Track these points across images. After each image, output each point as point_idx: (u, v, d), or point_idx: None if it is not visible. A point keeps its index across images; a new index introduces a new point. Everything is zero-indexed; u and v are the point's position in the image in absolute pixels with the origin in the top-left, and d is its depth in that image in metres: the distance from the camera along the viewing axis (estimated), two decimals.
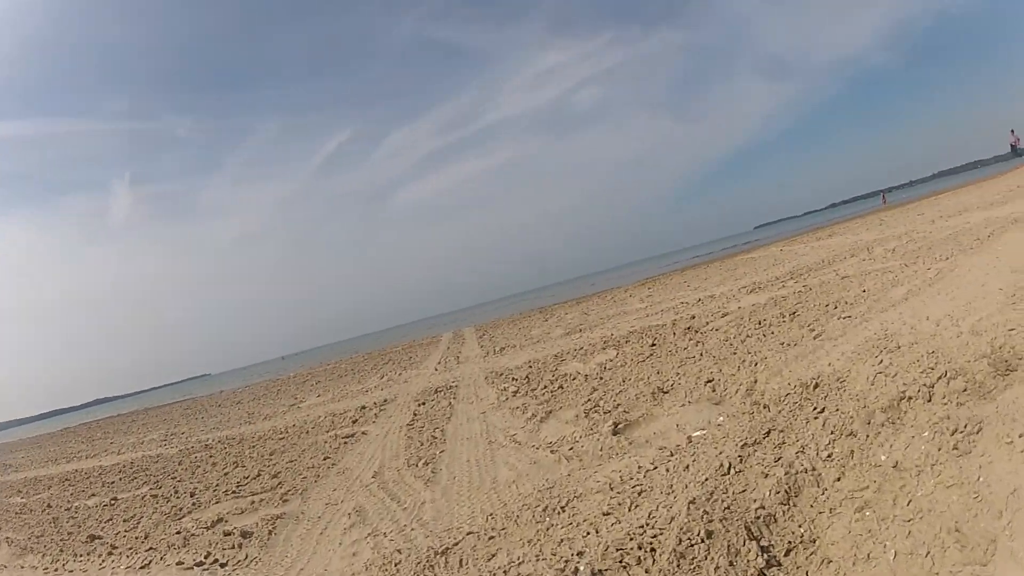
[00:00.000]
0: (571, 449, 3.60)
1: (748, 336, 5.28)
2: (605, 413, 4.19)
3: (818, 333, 4.47)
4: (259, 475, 5.04)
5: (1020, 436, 1.86)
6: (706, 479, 2.55)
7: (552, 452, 3.64)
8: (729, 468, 2.59)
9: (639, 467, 2.97)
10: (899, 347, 3.25)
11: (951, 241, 6.81)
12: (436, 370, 9.66)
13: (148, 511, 4.68)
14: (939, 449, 2.02)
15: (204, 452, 7.05)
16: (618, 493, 2.73)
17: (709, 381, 4.17)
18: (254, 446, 6.59)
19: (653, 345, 6.18)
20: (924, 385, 2.61)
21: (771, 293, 7.64)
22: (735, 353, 4.73)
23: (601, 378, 5.37)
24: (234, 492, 4.64)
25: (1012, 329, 2.75)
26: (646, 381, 4.72)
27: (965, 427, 2.05)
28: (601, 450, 3.45)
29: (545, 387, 5.72)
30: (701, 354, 5.11)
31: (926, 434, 2.18)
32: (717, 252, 34.16)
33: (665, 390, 4.32)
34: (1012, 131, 23.21)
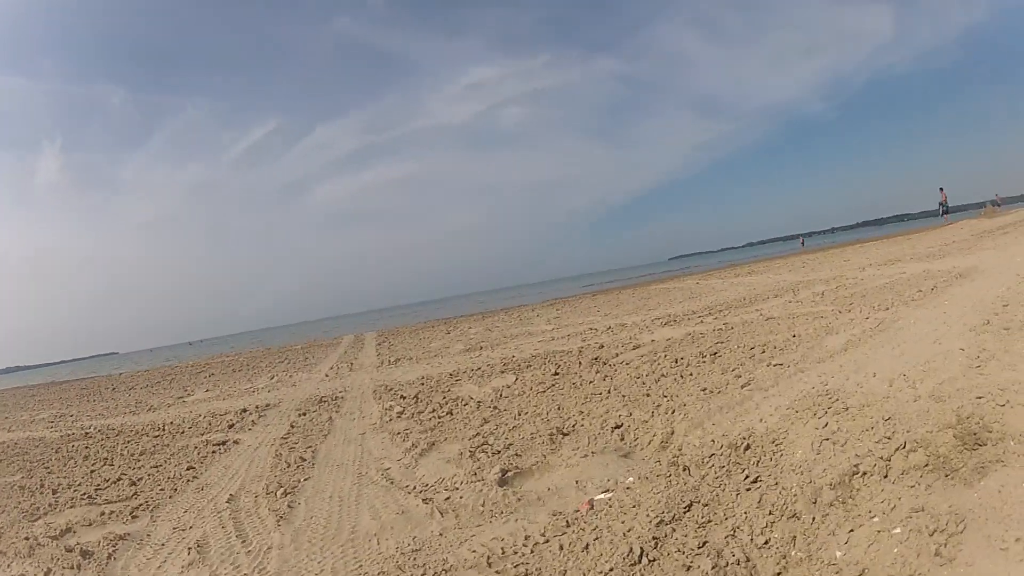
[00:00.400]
0: (448, 499, 3.81)
1: (663, 375, 5.73)
2: (494, 454, 4.49)
3: (745, 381, 4.72)
4: (120, 479, 5.51)
5: (1017, 540, 1.91)
6: (610, 569, 2.42)
7: (425, 501, 3.84)
8: (641, 555, 2.48)
9: (526, 537, 3.04)
10: (847, 408, 3.45)
11: (888, 291, 7.96)
12: (327, 376, 11.15)
13: (11, 505, 5.14)
14: (917, 555, 2.07)
15: (83, 441, 7.87)
16: (496, 573, 2.74)
17: (617, 427, 4.44)
18: (129, 442, 7.38)
19: (556, 374, 6.89)
20: (880, 458, 2.72)
21: (688, 328, 8.45)
22: (648, 394, 5.09)
23: (495, 407, 5.93)
24: (91, 497, 5.07)
25: (980, 397, 3.00)
26: (544, 418, 5.16)
27: (946, 525, 2.13)
28: (483, 505, 3.61)
29: (434, 411, 6.34)
30: (609, 391, 5.53)
31: (897, 531, 2.24)
32: (632, 279, 40.37)
33: (565, 431, 4.65)
34: (941, 189, 31.72)
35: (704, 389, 4.77)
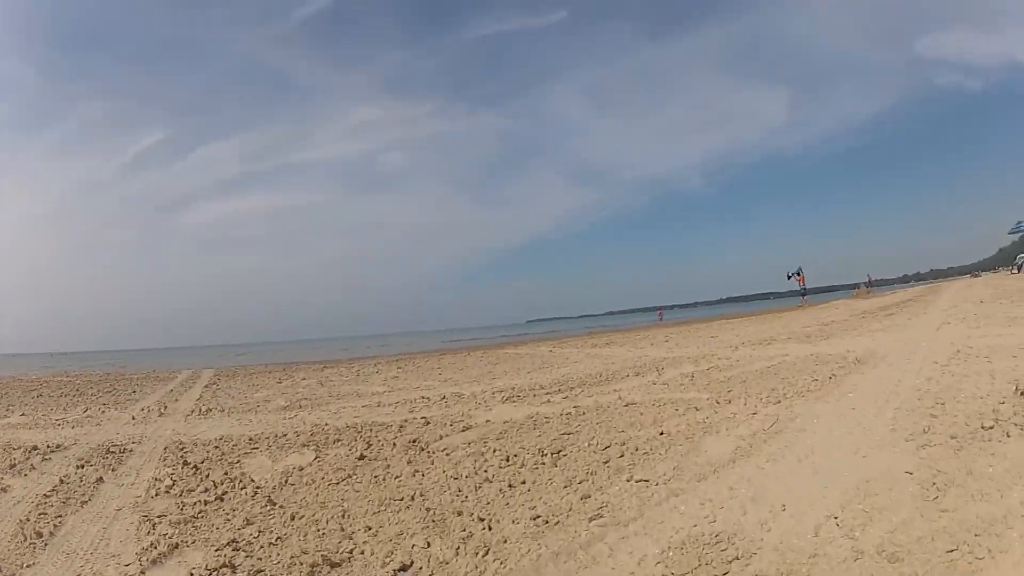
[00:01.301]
0: None
1: (488, 480, 5.13)
2: None
3: (597, 509, 4.11)
4: None
5: None
6: None
7: None
8: None
9: None
10: None
11: (772, 376, 7.90)
12: (135, 418, 11.03)
13: None
14: None
15: None
16: None
17: (404, 569, 3.77)
18: None
19: (362, 457, 6.48)
20: None
21: (532, 408, 8.11)
22: (460, 512, 4.44)
23: (272, 501, 5.41)
24: None
25: (952, 550, 2.49)
26: (320, 530, 4.56)
27: None
28: None
29: (206, 490, 5.91)
30: (413, 496, 4.95)
31: None
32: (486, 340, 43.57)
33: (334, 561, 4.00)
34: (799, 272, 37.64)
35: (537, 516, 4.12)
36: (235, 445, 7.88)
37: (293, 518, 4.87)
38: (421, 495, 4.92)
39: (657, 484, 4.32)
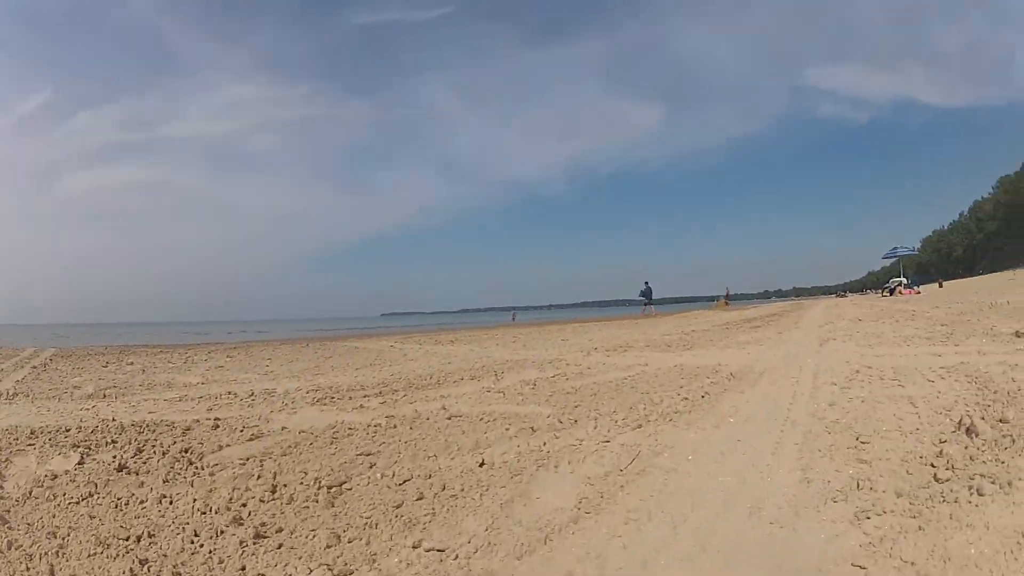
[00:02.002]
0: None
1: (235, 521, 3.81)
2: None
3: None
4: None
5: None
6: None
7: None
8: None
9: None
10: None
11: (630, 390, 7.01)
12: None
13: None
14: None
15: None
16: None
17: None
18: None
19: (122, 468, 5.13)
20: None
21: (342, 413, 7.15)
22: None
23: (3, 520, 4.21)
24: None
25: None
26: (27, 571, 3.41)
27: None
28: None
29: None
30: (141, 536, 3.63)
31: None
32: (331, 331, 42.82)
33: None
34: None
35: None
36: (15, 439, 6.60)
37: (10, 546, 3.67)
38: (150, 536, 3.60)
39: (456, 558, 3.04)
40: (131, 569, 3.17)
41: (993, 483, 3.13)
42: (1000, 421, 4.11)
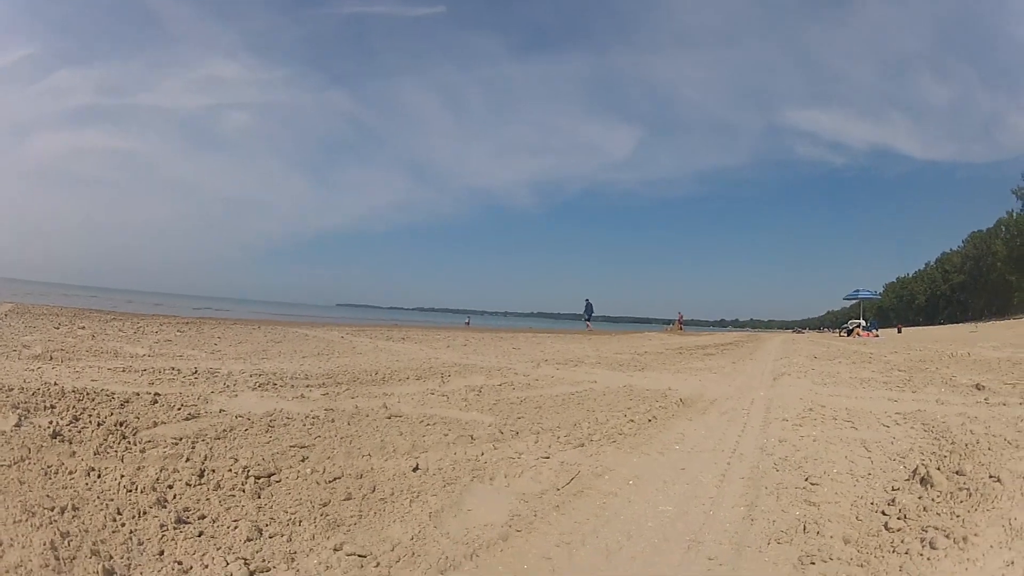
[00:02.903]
0: None
1: (158, 503, 3.61)
2: None
3: None
4: None
5: None
6: None
7: None
8: None
9: None
10: None
11: (576, 407, 6.94)
12: None
13: None
14: None
15: None
16: None
17: None
18: None
19: (56, 435, 4.87)
20: None
21: (282, 401, 6.98)
22: (95, 552, 3.05)
23: None
24: None
25: None
26: None
27: None
28: None
29: None
30: (65, 508, 3.43)
31: None
32: (288, 317, 42.13)
33: None
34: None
35: None
36: None
37: None
38: (75, 508, 3.42)
39: (377, 565, 2.92)
40: (52, 541, 2.99)
41: (947, 537, 3.04)
42: (956, 473, 4.04)
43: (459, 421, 5.94)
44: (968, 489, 3.68)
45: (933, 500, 3.64)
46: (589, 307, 43.15)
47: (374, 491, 3.88)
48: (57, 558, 2.91)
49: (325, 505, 3.64)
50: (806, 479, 4.11)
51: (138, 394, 6.73)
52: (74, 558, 2.90)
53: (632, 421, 5.91)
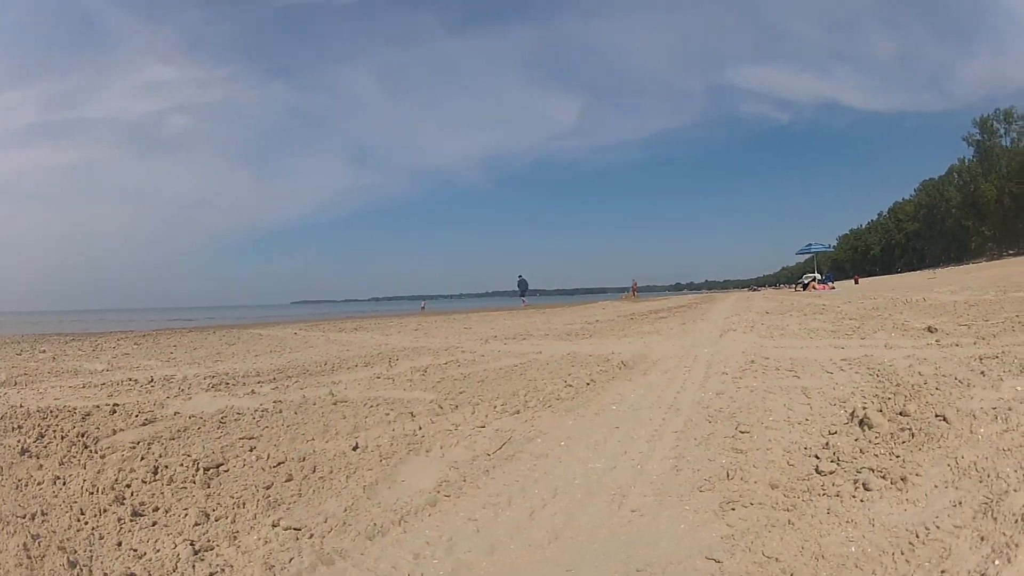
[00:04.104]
0: None
1: (117, 500, 3.96)
2: None
3: None
4: None
5: None
6: None
7: None
8: None
9: None
10: None
11: (518, 377, 7.09)
12: None
13: None
14: None
15: None
16: None
17: None
18: None
19: (25, 452, 5.29)
20: None
21: (234, 399, 7.17)
22: (62, 548, 3.41)
23: None
24: None
25: None
26: None
27: None
28: None
29: None
30: (35, 514, 3.83)
31: None
32: (241, 318, 43.92)
33: None
34: (521, 275, 43.39)
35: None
36: None
37: None
38: (43, 514, 3.78)
39: (311, 537, 3.20)
40: (24, 544, 3.32)
41: (883, 478, 3.08)
42: (900, 414, 4.06)
43: (401, 400, 6.07)
44: (911, 429, 3.71)
45: (871, 442, 3.69)
46: (523, 283, 43.70)
47: (314, 471, 4.09)
48: (29, 557, 3.20)
49: (268, 488, 3.87)
50: (736, 427, 4.16)
51: (98, 407, 6.93)
52: (44, 556, 3.18)
53: (570, 386, 5.99)
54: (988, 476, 2.97)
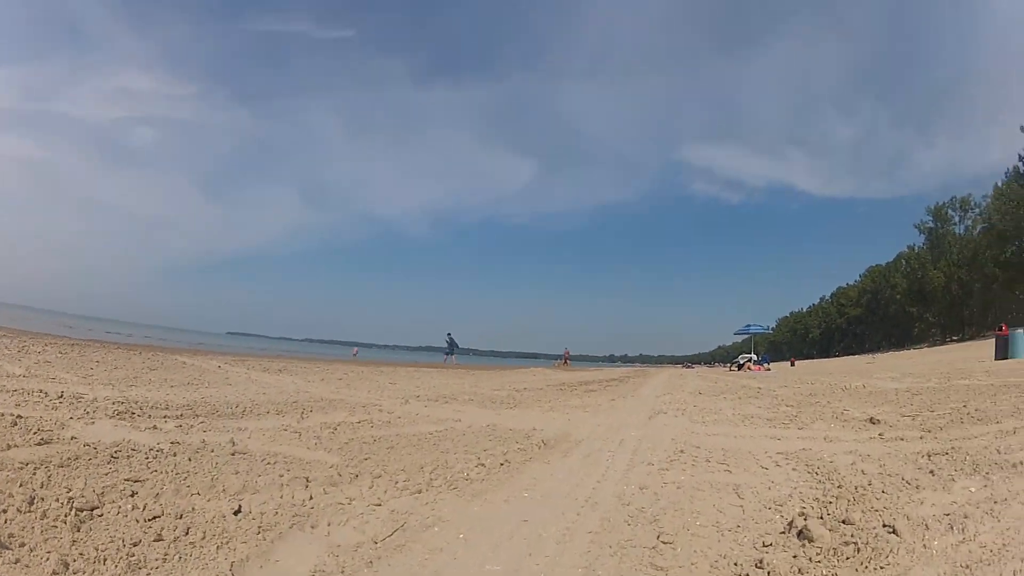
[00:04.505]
0: None
1: None
2: None
3: None
4: None
5: None
6: None
7: None
8: None
9: None
10: None
11: (431, 448, 6.77)
12: None
13: None
14: None
15: None
16: None
17: None
18: None
19: None
20: None
21: (135, 432, 6.66)
22: None
23: None
24: None
25: None
26: None
27: None
28: None
29: None
30: None
31: None
32: (173, 342, 42.00)
33: None
34: (448, 334, 45.07)
35: None
36: None
37: None
38: None
39: None
40: None
41: None
42: (843, 522, 3.78)
43: (301, 460, 5.75)
44: (855, 543, 3.46)
45: (811, 559, 3.37)
46: (452, 342, 44.57)
47: (187, 533, 3.83)
48: None
49: (135, 545, 3.59)
50: (658, 536, 3.82)
51: (2, 414, 6.54)
52: None
53: (482, 465, 5.72)
54: None
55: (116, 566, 3.34)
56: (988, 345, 27.81)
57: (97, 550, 3.50)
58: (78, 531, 3.72)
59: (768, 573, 3.20)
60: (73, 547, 3.51)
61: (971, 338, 66.79)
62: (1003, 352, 22.55)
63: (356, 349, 65.45)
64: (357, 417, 8.69)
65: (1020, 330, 23.28)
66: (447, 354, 43.75)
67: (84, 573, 3.27)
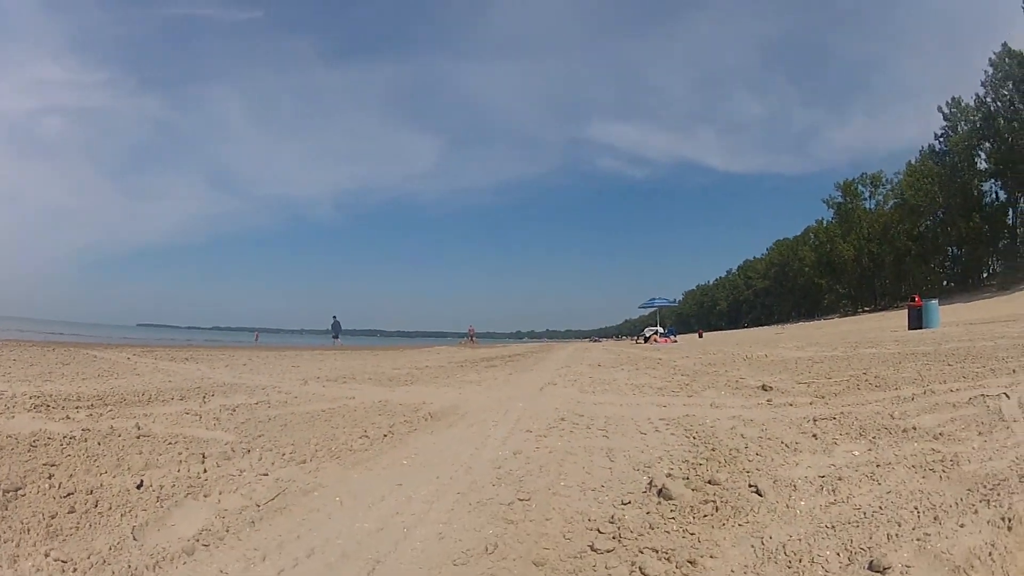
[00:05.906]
0: None
1: None
2: None
3: None
4: None
5: None
6: None
7: None
8: None
9: None
10: None
11: (321, 424, 7.01)
12: None
13: None
14: None
15: None
16: None
17: None
18: None
19: None
20: None
21: (50, 422, 6.83)
22: None
23: None
24: None
25: None
26: None
27: None
28: None
29: None
30: None
31: None
32: (85, 337, 44.66)
33: None
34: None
35: None
36: None
37: None
38: None
39: (75, 571, 3.36)
40: None
41: (667, 560, 2.91)
42: (709, 483, 3.92)
43: (200, 440, 6.02)
44: (715, 501, 3.58)
45: (664, 516, 3.50)
46: (336, 324, 44.82)
47: (96, 506, 4.16)
48: None
49: (53, 517, 3.89)
50: (517, 496, 4.04)
51: None
52: None
53: (366, 436, 6.00)
54: (800, 560, 2.83)
55: (38, 535, 3.69)
56: (901, 316, 28.59)
57: (22, 523, 3.83)
58: (6, 509, 4.01)
59: (618, 528, 3.35)
60: (2, 522, 3.81)
61: (883, 309, 68.70)
62: (916, 322, 23.44)
63: (257, 334, 65.54)
64: (256, 399, 8.89)
65: (934, 301, 24.27)
66: (334, 337, 44.18)
67: (12, 542, 3.60)
